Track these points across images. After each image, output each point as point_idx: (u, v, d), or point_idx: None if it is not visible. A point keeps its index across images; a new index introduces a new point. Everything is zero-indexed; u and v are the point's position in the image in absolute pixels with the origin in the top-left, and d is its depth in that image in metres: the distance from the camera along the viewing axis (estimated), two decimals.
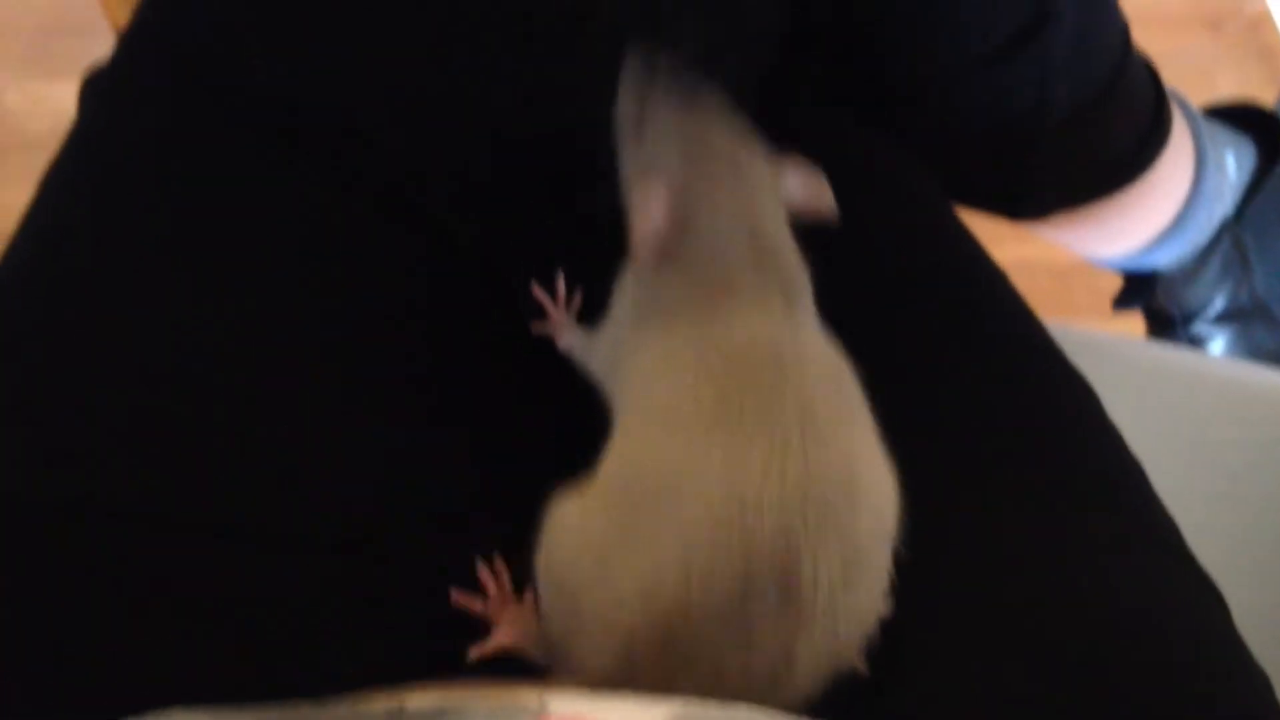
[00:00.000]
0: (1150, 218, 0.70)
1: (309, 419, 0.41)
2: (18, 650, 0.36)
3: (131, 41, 0.49)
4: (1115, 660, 0.39)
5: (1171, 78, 0.69)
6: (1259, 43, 1.38)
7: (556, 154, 0.47)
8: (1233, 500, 0.63)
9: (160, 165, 0.45)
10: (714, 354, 0.36)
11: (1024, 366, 0.49)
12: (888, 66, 0.58)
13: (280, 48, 0.46)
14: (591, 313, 0.45)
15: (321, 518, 0.40)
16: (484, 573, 0.39)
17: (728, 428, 0.34)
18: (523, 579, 0.39)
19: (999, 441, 0.45)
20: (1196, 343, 0.77)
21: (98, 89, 0.48)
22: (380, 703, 0.31)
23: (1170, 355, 0.69)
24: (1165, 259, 0.74)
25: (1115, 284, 0.80)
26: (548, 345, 0.46)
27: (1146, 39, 0.65)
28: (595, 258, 0.43)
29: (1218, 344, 0.76)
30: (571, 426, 0.40)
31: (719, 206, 0.39)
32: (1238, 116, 0.76)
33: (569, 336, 0.45)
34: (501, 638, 0.38)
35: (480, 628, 0.39)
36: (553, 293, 0.47)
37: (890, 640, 0.37)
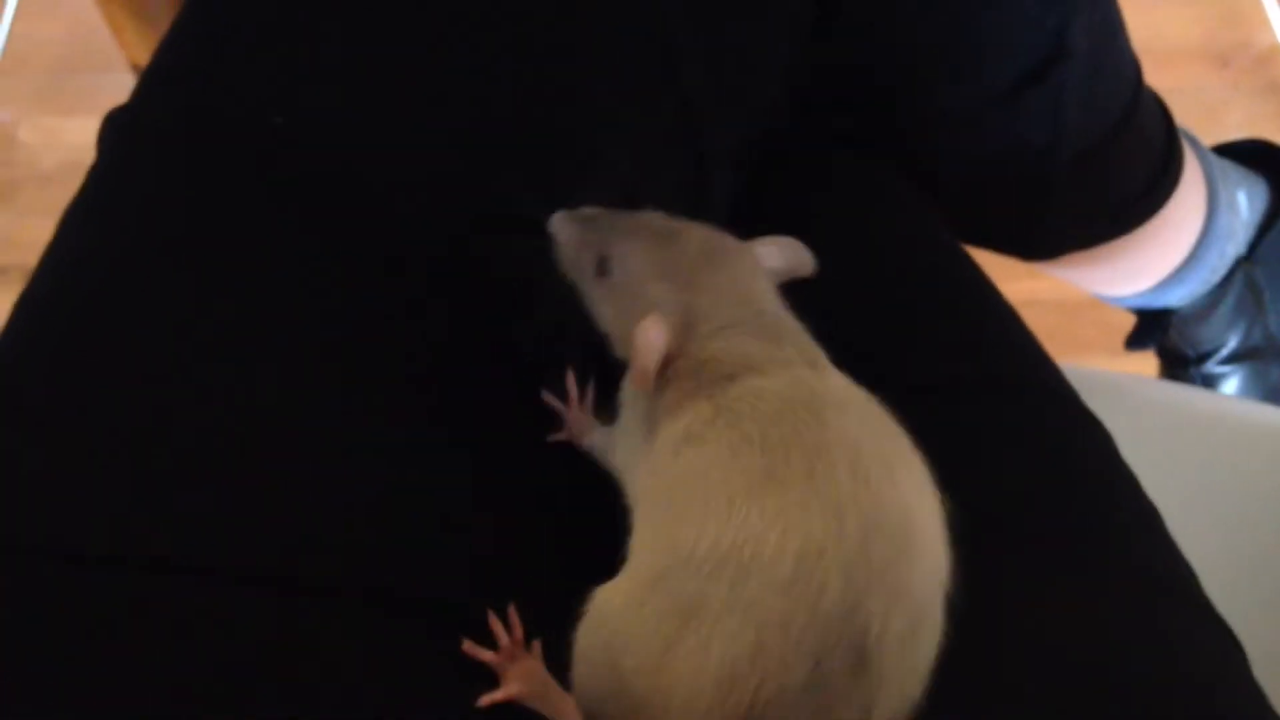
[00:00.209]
0: (1163, 257, 0.70)
1: (318, 462, 0.41)
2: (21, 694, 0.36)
3: (150, 81, 0.49)
4: (1143, 713, 0.39)
5: (1179, 114, 0.69)
6: (1267, 78, 1.38)
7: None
8: (1247, 541, 0.63)
9: (173, 206, 0.46)
10: (747, 419, 0.35)
11: (1037, 411, 0.48)
12: (899, 107, 0.58)
13: (291, 91, 0.46)
14: (608, 400, 0.44)
15: (334, 563, 0.40)
16: (495, 623, 0.39)
17: (776, 491, 0.33)
18: (534, 632, 0.39)
19: (1010, 489, 0.45)
20: (1210, 382, 0.77)
21: (117, 127, 0.49)
22: None
23: (1184, 395, 0.69)
24: (1178, 298, 0.74)
25: (1126, 320, 0.80)
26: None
27: (1154, 75, 0.65)
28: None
29: (1231, 383, 0.76)
30: (586, 473, 0.40)
31: (718, 309, 0.39)
32: (1248, 154, 0.76)
33: (590, 436, 0.44)
34: (511, 689, 0.38)
35: (491, 677, 0.38)
36: (563, 395, 0.45)
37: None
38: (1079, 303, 1.18)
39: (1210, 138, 0.76)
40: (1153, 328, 0.76)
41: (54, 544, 0.39)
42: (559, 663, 0.38)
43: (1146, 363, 0.84)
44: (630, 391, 0.41)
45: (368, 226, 0.45)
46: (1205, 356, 0.76)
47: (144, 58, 0.96)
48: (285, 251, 0.45)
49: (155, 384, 0.42)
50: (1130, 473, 0.47)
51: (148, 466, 0.40)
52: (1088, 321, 1.19)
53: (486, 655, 0.38)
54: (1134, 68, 0.62)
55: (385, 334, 0.44)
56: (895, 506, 0.34)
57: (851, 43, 0.54)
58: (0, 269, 1.32)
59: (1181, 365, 0.79)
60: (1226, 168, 0.73)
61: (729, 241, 0.41)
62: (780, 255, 0.41)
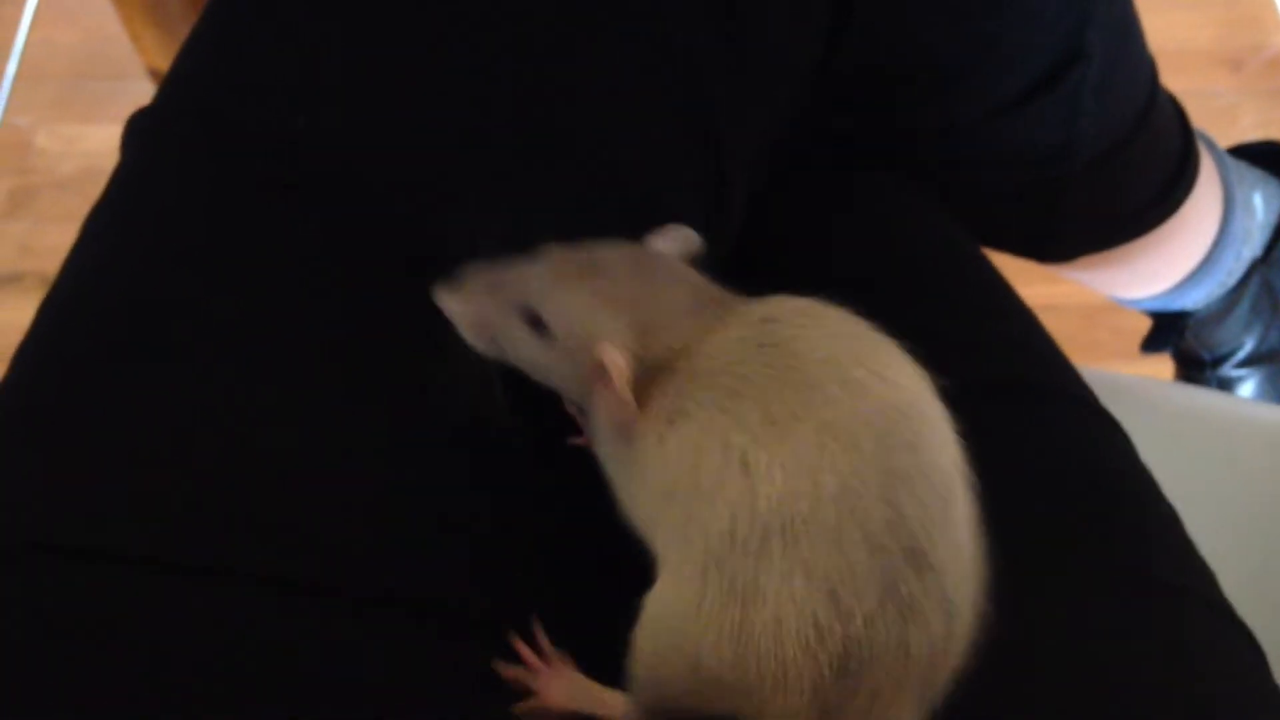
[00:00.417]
0: (1178, 259, 0.70)
1: (320, 463, 0.41)
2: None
3: (173, 84, 0.49)
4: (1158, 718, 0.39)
5: (1193, 117, 0.69)
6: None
7: None
8: (1266, 544, 0.62)
9: (193, 212, 0.46)
10: (720, 374, 0.35)
11: (1056, 413, 0.48)
12: (915, 111, 0.58)
13: (312, 94, 0.47)
14: None
15: (334, 562, 0.40)
16: (519, 645, 0.39)
17: (784, 436, 0.33)
18: (560, 636, 0.39)
19: (1029, 492, 0.44)
20: (1226, 385, 0.77)
21: (139, 130, 0.49)
22: None
23: (1200, 398, 0.69)
24: (1194, 300, 0.74)
25: (1141, 324, 0.80)
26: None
27: (1165, 78, 0.65)
28: None
29: (1248, 387, 0.76)
30: (587, 471, 0.40)
31: (666, 315, 0.37)
32: (1262, 156, 0.76)
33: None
34: (546, 698, 0.38)
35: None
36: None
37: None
38: (1094, 307, 1.18)
39: (1223, 141, 0.75)
40: (1169, 331, 0.76)
41: (65, 544, 0.39)
42: (580, 656, 0.38)
43: (1161, 367, 0.84)
44: (605, 433, 0.38)
45: (377, 230, 0.45)
46: (1221, 360, 0.76)
47: (162, 63, 0.96)
48: (297, 254, 0.45)
49: (169, 390, 0.42)
50: (1150, 475, 0.47)
51: (159, 470, 0.40)
52: (1102, 326, 1.19)
53: (512, 673, 0.38)
54: (1150, 68, 0.62)
55: (392, 337, 0.44)
56: (893, 402, 0.34)
57: (867, 47, 0.54)
58: (17, 275, 1.32)
59: (1197, 369, 0.79)
60: (1241, 170, 0.73)
61: (639, 248, 0.39)
62: (674, 243, 0.40)
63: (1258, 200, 0.73)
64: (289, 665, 0.37)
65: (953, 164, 0.60)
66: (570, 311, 0.37)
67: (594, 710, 0.37)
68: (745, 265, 0.49)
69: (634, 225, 0.47)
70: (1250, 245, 0.72)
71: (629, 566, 0.37)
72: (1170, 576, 0.44)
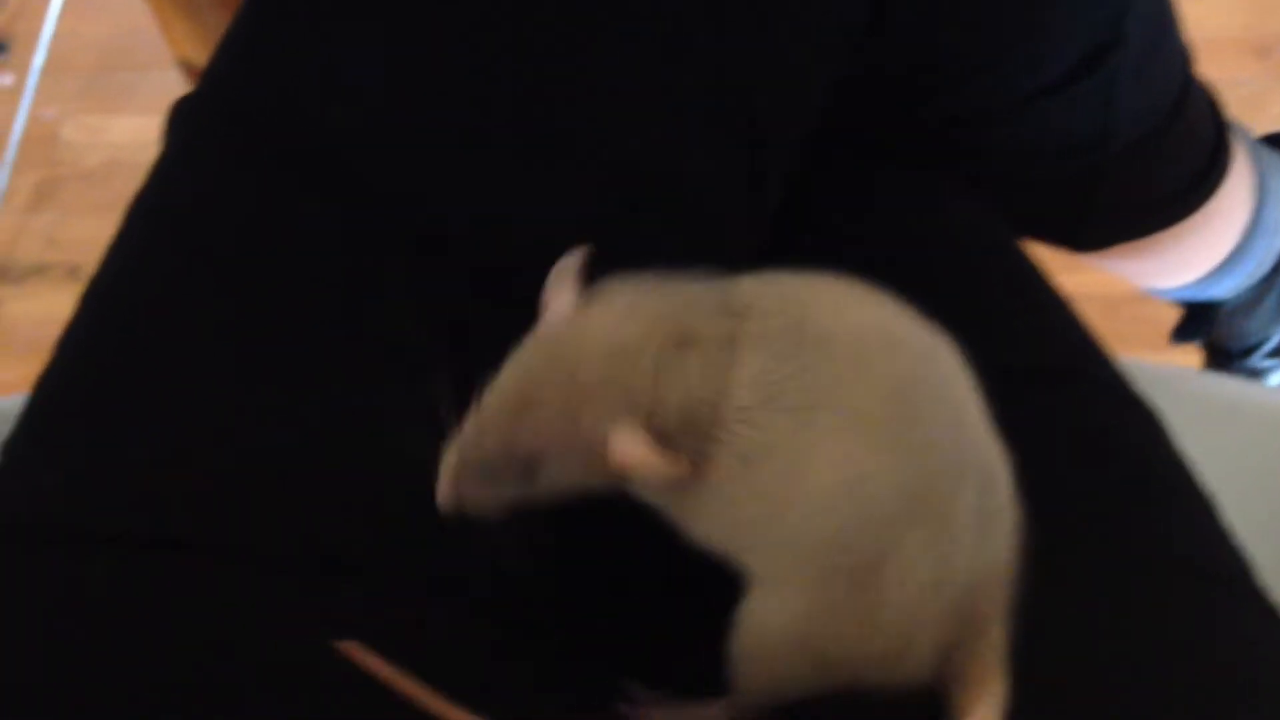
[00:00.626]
0: (1210, 249, 0.70)
1: (339, 451, 0.42)
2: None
3: (214, 72, 0.50)
4: (1187, 703, 0.39)
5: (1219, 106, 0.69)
6: None
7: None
8: None
9: (231, 202, 0.46)
10: (778, 396, 0.35)
11: (1092, 400, 0.49)
12: (954, 95, 0.58)
13: (334, 96, 0.47)
14: None
15: (358, 542, 0.40)
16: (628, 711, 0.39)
17: (862, 438, 0.34)
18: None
19: (1066, 478, 0.45)
20: (1255, 376, 0.76)
21: (181, 118, 0.49)
22: None
23: (1231, 386, 0.68)
24: (1224, 290, 0.73)
25: (1167, 316, 0.79)
26: None
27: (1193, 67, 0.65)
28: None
29: (1277, 377, 0.75)
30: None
31: (651, 374, 0.35)
32: None
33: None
34: None
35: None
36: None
37: None
38: (1117, 298, 1.17)
39: (1251, 129, 0.75)
40: (1199, 321, 0.76)
41: (96, 529, 0.40)
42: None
43: (1188, 357, 0.84)
44: (659, 491, 0.37)
45: (397, 223, 0.45)
46: (1251, 350, 0.76)
47: (193, 53, 0.97)
48: (321, 248, 0.45)
49: (194, 383, 0.43)
50: (1185, 462, 0.47)
51: (184, 459, 0.41)
52: (1128, 317, 1.18)
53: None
54: (1184, 57, 0.62)
55: (407, 329, 0.45)
56: (923, 353, 0.36)
57: (906, 31, 0.54)
58: (43, 267, 1.33)
59: (1226, 359, 0.78)
60: (1274, 159, 0.72)
61: (574, 322, 0.37)
62: (569, 285, 0.38)
63: None
64: (297, 641, 0.38)
65: (989, 151, 0.60)
66: (558, 452, 0.36)
67: None
68: (779, 257, 0.49)
69: (667, 219, 0.47)
70: None
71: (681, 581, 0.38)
72: (1206, 562, 0.44)
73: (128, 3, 1.49)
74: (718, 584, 0.37)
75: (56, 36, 1.33)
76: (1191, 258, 0.70)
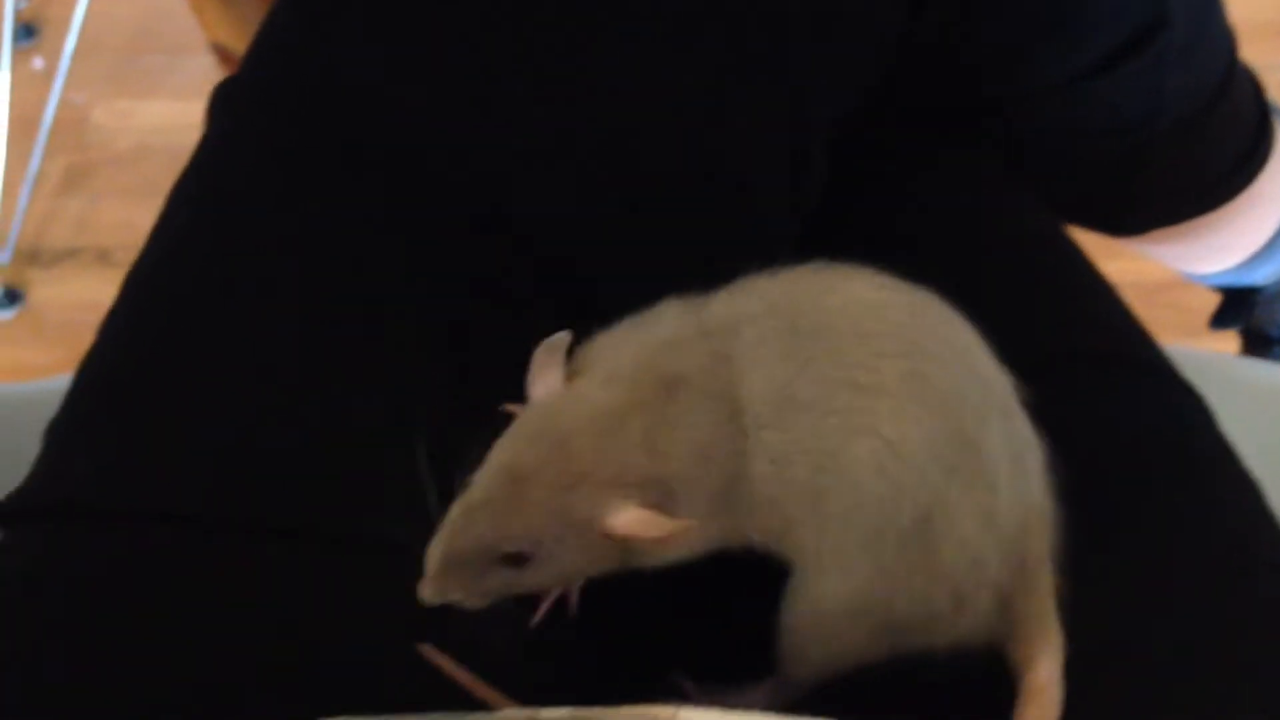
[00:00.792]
0: (1250, 234, 0.69)
1: (371, 427, 0.42)
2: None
3: (257, 54, 0.50)
4: (1236, 682, 0.38)
5: None
6: None
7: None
8: None
9: (273, 183, 0.46)
10: (789, 406, 0.35)
11: (1138, 384, 0.49)
12: (1001, 74, 0.57)
13: (399, 75, 0.47)
14: None
15: (388, 520, 0.40)
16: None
17: (885, 391, 0.35)
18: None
19: (1111, 462, 0.45)
20: None
21: (224, 99, 0.50)
22: (514, 716, 0.30)
23: (1271, 372, 0.67)
24: (1264, 275, 0.72)
25: (1203, 303, 0.79)
26: None
27: None
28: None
29: None
30: None
31: (638, 437, 0.35)
32: None
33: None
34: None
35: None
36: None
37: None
38: (1153, 285, 1.16)
39: None
40: (1237, 306, 0.75)
41: (141, 510, 0.40)
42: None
43: (1224, 344, 0.83)
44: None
45: (445, 197, 0.45)
46: None
47: (225, 37, 0.97)
48: (370, 222, 0.45)
49: (241, 361, 0.43)
50: (1230, 446, 0.47)
51: (231, 440, 0.41)
52: (1164, 304, 1.17)
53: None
54: (1229, 40, 0.61)
55: (458, 297, 0.45)
56: (911, 317, 0.37)
57: (953, 10, 0.53)
58: (74, 251, 1.34)
59: (1264, 345, 0.77)
60: None
61: (558, 399, 0.36)
62: (555, 361, 0.37)
63: None
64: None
65: (1034, 135, 0.59)
66: (550, 532, 0.34)
67: (748, 708, 0.38)
68: (821, 245, 0.49)
69: (712, 198, 0.47)
70: None
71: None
72: (1252, 544, 0.44)
73: None
74: (753, 572, 0.37)
75: (87, 20, 1.33)
76: (1232, 242, 0.69)
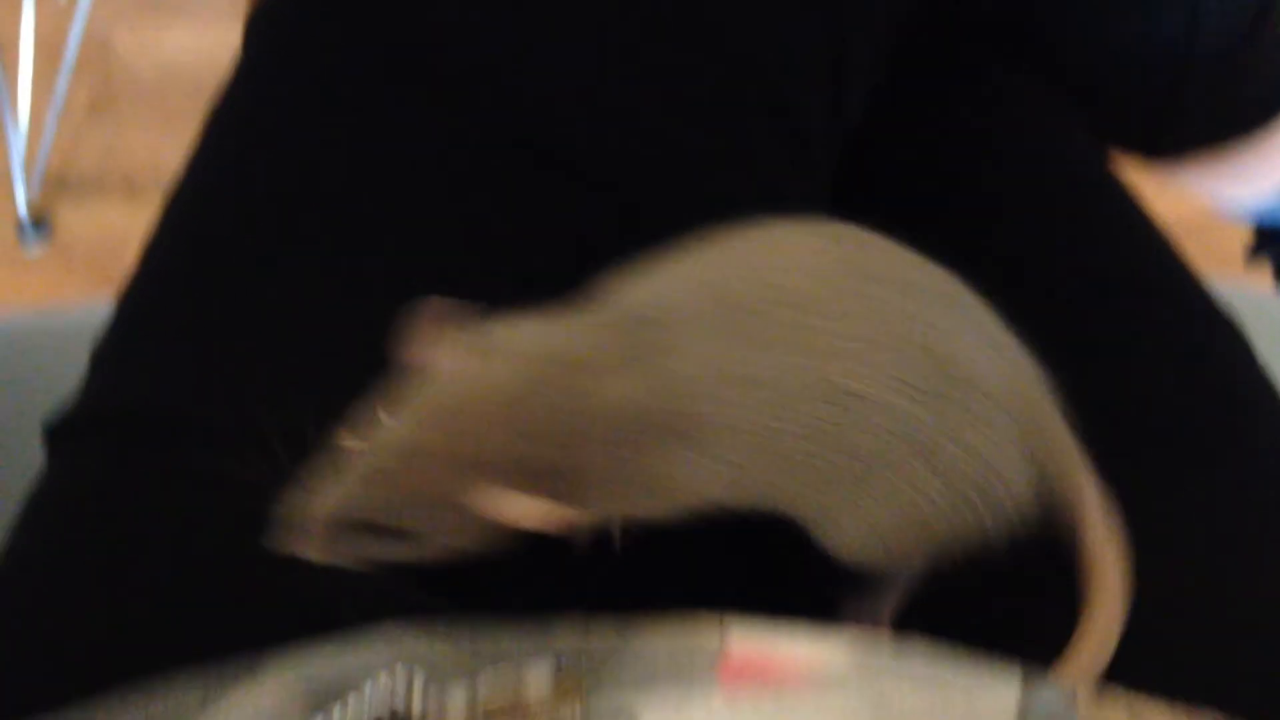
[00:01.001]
0: None
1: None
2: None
3: None
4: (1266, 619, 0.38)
5: None
6: None
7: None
8: None
9: (313, 101, 0.46)
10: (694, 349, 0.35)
11: (1180, 313, 0.49)
12: None
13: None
14: None
15: None
16: None
17: (851, 321, 0.35)
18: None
19: (1152, 388, 0.45)
20: None
21: (260, 27, 0.49)
22: (563, 633, 0.31)
23: None
24: None
25: (1233, 243, 0.78)
26: None
27: None
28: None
29: None
30: None
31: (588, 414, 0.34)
32: None
33: None
34: None
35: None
36: None
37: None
38: (1187, 226, 1.14)
39: None
40: (1274, 239, 0.74)
41: (187, 424, 0.40)
42: None
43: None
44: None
45: (506, 125, 0.45)
46: None
47: None
48: (424, 146, 0.45)
49: (285, 282, 0.43)
50: (1268, 377, 0.47)
51: (275, 357, 0.42)
52: (1196, 245, 1.15)
53: None
54: None
55: (519, 227, 0.45)
56: (818, 250, 0.36)
57: None
58: (99, 180, 1.34)
59: None
60: None
61: (463, 375, 0.35)
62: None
63: None
64: None
65: (1071, 49, 0.59)
66: (445, 496, 0.34)
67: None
68: (862, 166, 0.49)
69: (752, 118, 0.47)
70: None
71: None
72: None
73: None
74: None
75: None
76: (1268, 170, 0.68)
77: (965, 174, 0.52)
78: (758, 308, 0.35)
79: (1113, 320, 0.44)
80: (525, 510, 0.33)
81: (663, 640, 0.30)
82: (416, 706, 0.26)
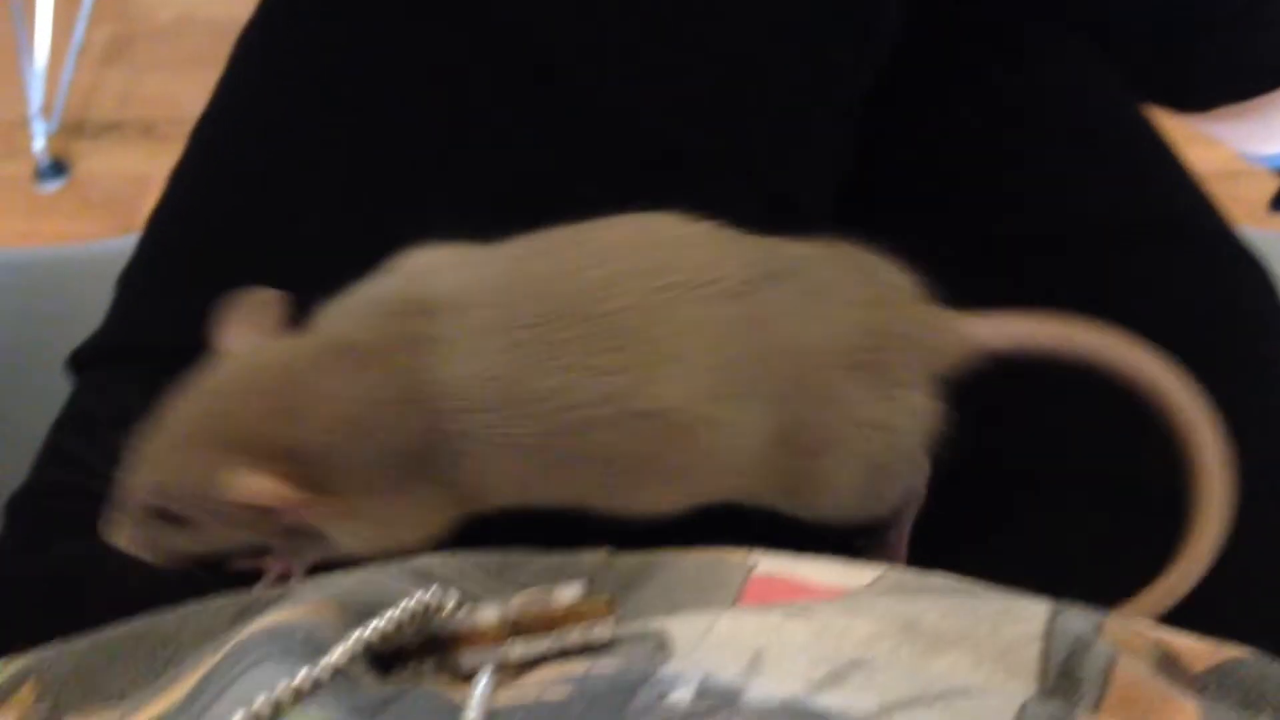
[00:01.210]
0: None
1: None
2: None
3: None
4: None
5: None
6: None
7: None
8: None
9: (337, 33, 0.47)
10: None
11: (1206, 249, 0.49)
12: None
13: None
14: None
15: None
16: None
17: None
18: None
19: (1179, 325, 0.44)
20: None
21: None
22: (588, 555, 0.31)
23: None
24: None
25: (1260, 194, 0.77)
26: None
27: None
28: None
29: None
30: None
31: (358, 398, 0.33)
32: None
33: None
34: None
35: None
36: None
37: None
38: (1212, 175, 1.13)
39: None
40: None
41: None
42: None
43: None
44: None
45: (520, 50, 0.45)
46: None
47: None
48: (439, 69, 0.45)
49: (310, 212, 0.44)
50: None
51: (300, 281, 0.41)
52: (1221, 194, 1.14)
53: None
54: None
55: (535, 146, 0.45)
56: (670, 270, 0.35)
57: None
58: (117, 123, 1.34)
59: None
60: None
61: (237, 359, 0.35)
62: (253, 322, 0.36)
63: None
64: None
65: (1098, 3, 0.58)
66: (180, 476, 0.33)
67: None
68: (897, 116, 0.48)
69: (752, 118, 0.46)
70: None
71: None
72: None
73: None
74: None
75: None
76: None
77: (992, 124, 0.52)
78: (567, 311, 0.33)
79: (1146, 261, 0.44)
80: (261, 488, 0.32)
81: (690, 563, 0.30)
82: (449, 619, 0.26)
